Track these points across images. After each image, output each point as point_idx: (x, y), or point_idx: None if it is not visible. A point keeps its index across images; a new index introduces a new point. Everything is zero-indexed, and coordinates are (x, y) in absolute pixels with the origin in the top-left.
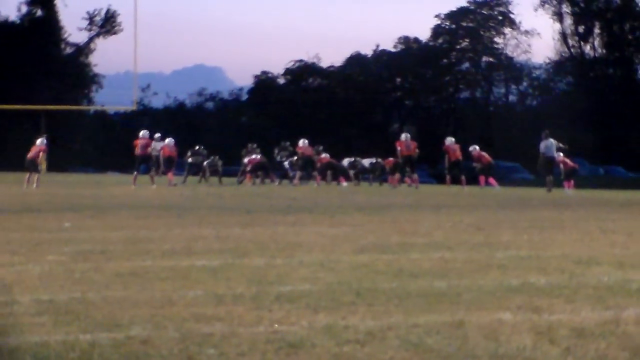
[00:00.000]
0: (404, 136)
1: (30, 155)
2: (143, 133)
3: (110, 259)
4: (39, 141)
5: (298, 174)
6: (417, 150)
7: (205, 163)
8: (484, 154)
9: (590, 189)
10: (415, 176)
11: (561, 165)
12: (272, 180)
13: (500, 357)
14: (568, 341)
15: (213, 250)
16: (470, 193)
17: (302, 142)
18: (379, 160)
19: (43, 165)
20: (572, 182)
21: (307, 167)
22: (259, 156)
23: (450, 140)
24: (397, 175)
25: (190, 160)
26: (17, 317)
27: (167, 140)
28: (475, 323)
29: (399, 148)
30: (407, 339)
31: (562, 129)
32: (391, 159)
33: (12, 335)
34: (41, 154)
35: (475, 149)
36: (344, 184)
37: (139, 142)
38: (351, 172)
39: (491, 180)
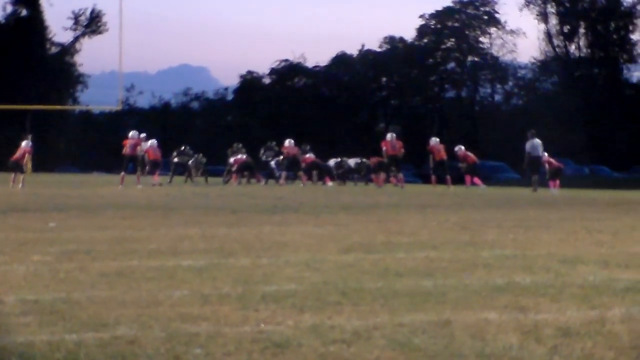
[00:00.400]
0: (389, 136)
1: (15, 156)
2: (132, 133)
3: (96, 259)
4: (24, 143)
5: (284, 173)
6: (402, 150)
7: (190, 162)
8: (469, 153)
9: (576, 189)
10: (401, 176)
11: (546, 165)
12: (258, 180)
13: (486, 356)
14: (554, 340)
15: (199, 250)
16: (455, 193)
17: (288, 142)
18: (364, 160)
19: (28, 166)
20: (557, 181)
21: (293, 167)
22: (244, 156)
23: (435, 141)
24: (382, 175)
25: (176, 160)
26: (2, 317)
27: (150, 142)
28: (462, 322)
29: (384, 148)
30: (393, 339)
31: (548, 128)
32: (375, 158)
33: None
34: (26, 155)
35: (460, 148)
36: (330, 183)
37: (128, 142)
38: (337, 172)
39: (476, 179)
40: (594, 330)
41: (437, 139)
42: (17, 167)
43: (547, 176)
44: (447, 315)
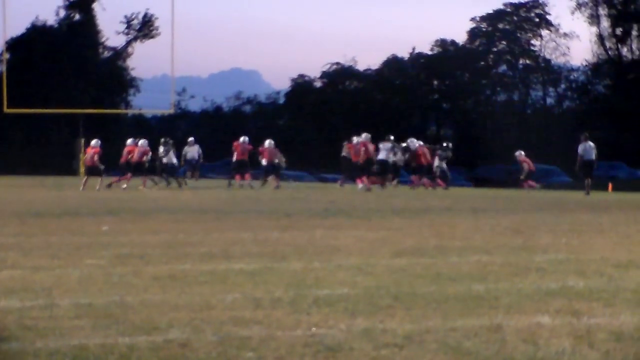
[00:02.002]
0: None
1: (89, 161)
2: (142, 142)
3: (149, 263)
4: (93, 142)
5: (365, 179)
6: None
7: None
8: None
9: (630, 192)
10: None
11: (525, 165)
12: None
13: None
14: (607, 345)
15: (251, 253)
16: (508, 196)
17: (367, 137)
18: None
19: (82, 169)
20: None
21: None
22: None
23: (413, 143)
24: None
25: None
26: (57, 320)
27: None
28: (514, 327)
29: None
30: (445, 343)
31: (601, 131)
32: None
33: (52, 338)
34: (96, 156)
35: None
36: (360, 185)
37: (137, 149)
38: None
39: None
40: None
41: (419, 143)
42: (96, 171)
43: (524, 176)
44: (499, 319)
